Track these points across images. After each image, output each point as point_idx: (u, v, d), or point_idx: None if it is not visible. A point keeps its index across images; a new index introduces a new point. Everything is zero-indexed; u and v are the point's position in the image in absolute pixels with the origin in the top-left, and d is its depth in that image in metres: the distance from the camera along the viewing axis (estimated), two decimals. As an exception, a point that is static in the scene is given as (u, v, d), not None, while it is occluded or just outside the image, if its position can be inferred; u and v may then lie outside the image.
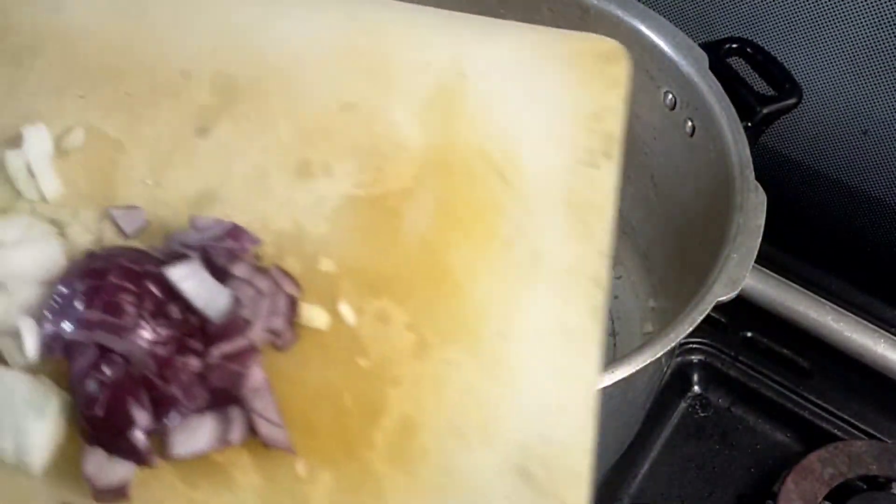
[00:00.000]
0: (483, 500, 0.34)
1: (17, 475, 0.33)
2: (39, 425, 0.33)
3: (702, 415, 0.66)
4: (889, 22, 0.62)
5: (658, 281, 0.66)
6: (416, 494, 0.34)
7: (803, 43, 0.67)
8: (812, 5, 0.65)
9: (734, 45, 0.60)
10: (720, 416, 0.66)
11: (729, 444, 0.64)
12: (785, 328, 0.68)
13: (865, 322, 0.67)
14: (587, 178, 0.41)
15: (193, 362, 0.34)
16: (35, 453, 0.33)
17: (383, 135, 0.42)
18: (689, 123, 0.57)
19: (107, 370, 0.33)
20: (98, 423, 0.33)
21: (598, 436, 0.53)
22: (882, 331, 0.66)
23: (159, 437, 0.33)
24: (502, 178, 0.41)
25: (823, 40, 0.67)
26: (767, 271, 0.69)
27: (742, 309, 0.68)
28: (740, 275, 0.47)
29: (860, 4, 0.63)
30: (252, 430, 0.34)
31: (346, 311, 0.37)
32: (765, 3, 0.68)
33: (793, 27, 0.67)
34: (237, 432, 0.34)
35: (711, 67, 0.56)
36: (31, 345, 0.34)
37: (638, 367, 0.43)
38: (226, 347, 0.35)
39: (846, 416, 0.64)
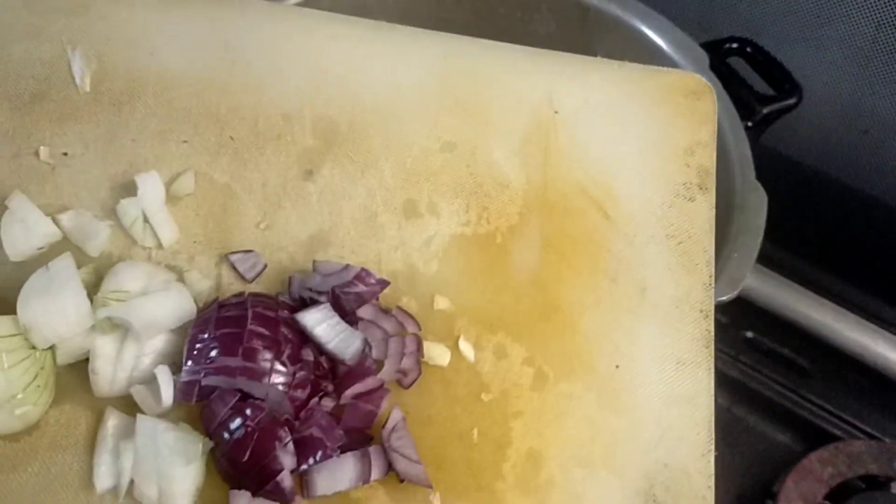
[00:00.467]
0: None
1: None
2: (185, 471, 0.33)
3: (702, 415, 0.66)
4: (889, 22, 0.63)
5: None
6: None
7: (803, 43, 0.67)
8: (812, 5, 0.65)
9: (734, 45, 0.60)
10: (720, 416, 0.66)
11: (729, 445, 0.64)
12: (785, 328, 0.68)
13: (865, 322, 0.67)
14: (685, 212, 0.43)
15: (328, 403, 0.36)
16: (180, 499, 0.34)
17: (485, 173, 0.44)
18: (690, 123, 0.57)
19: (249, 413, 0.34)
20: (244, 467, 0.34)
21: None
22: (882, 331, 0.66)
23: (300, 476, 0.34)
24: (603, 213, 0.43)
25: (823, 40, 0.67)
26: (768, 271, 0.69)
27: (742, 309, 0.68)
28: (740, 275, 0.47)
29: (860, 4, 0.63)
30: (389, 467, 0.35)
31: (465, 347, 0.39)
32: (765, 3, 0.68)
33: (793, 27, 0.67)
34: (377, 471, 0.35)
35: (712, 67, 0.56)
36: (168, 392, 0.35)
37: (638, 367, 0.43)
38: (359, 388, 0.36)
39: (846, 416, 0.64)
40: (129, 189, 0.41)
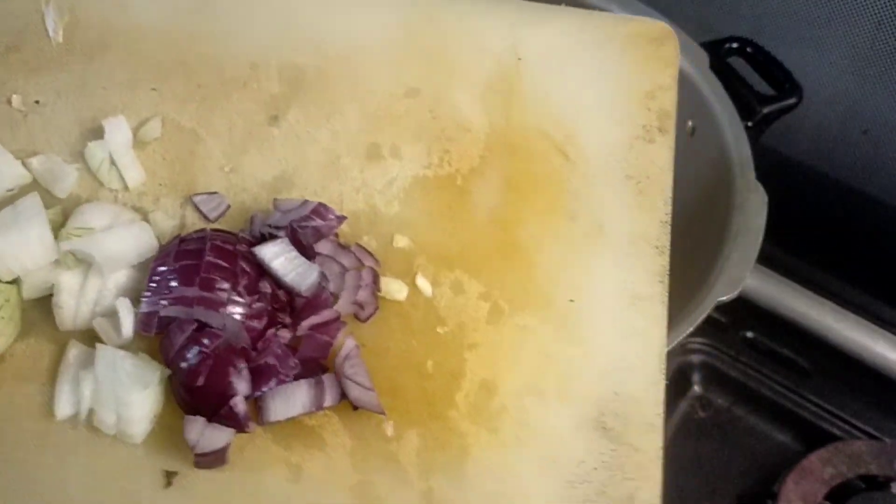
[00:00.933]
0: (564, 451, 0.36)
1: (117, 446, 0.35)
2: (142, 397, 0.34)
3: (702, 415, 0.66)
4: (889, 22, 0.62)
5: (658, 281, 0.66)
6: (498, 448, 0.36)
7: (803, 43, 0.67)
8: (812, 5, 0.65)
9: (735, 45, 0.60)
10: (720, 416, 0.66)
11: (729, 444, 0.64)
12: (785, 328, 0.68)
13: (865, 322, 0.67)
14: (645, 153, 0.44)
15: (285, 334, 0.37)
16: (137, 425, 0.35)
17: (448, 118, 0.45)
18: (690, 123, 0.57)
19: (206, 342, 0.35)
20: (199, 393, 0.34)
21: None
22: (882, 331, 0.66)
23: (255, 404, 0.35)
24: (564, 155, 0.44)
25: (823, 40, 0.67)
26: (768, 271, 0.69)
27: (742, 309, 0.68)
28: (740, 275, 0.47)
29: (860, 4, 0.63)
30: (343, 395, 0.36)
31: (422, 283, 0.40)
32: (765, 3, 0.68)
33: (793, 27, 0.67)
34: (330, 397, 0.36)
35: (712, 67, 0.56)
36: (128, 324, 0.36)
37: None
38: (315, 319, 0.37)
39: (846, 416, 0.64)
40: (98, 134, 0.42)
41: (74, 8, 0.46)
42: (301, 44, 0.46)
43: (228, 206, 0.41)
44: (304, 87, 0.45)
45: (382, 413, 0.36)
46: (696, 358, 0.67)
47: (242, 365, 0.35)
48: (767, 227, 0.49)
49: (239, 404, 0.34)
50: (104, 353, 0.35)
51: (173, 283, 0.36)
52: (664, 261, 0.41)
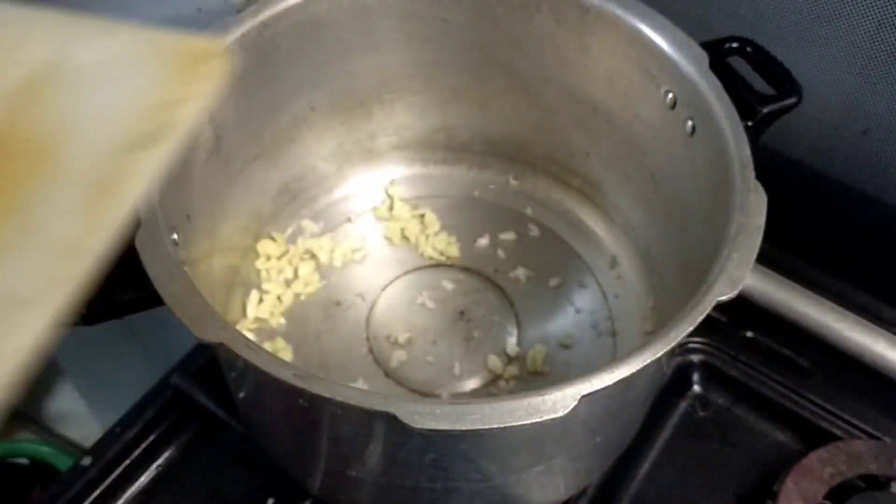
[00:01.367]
0: None
1: None
2: None
3: (702, 414, 0.66)
4: (889, 22, 0.62)
5: (658, 281, 0.66)
6: None
7: (803, 43, 0.67)
8: (812, 5, 0.65)
9: (734, 45, 0.60)
10: (720, 416, 0.66)
11: (729, 444, 0.64)
12: (785, 328, 0.68)
13: (865, 322, 0.67)
14: (131, 161, 0.41)
15: None
16: None
17: None
18: (689, 123, 0.57)
19: None
20: None
21: (597, 435, 0.53)
22: (882, 330, 0.66)
23: None
24: (42, 159, 0.40)
25: (823, 40, 0.67)
26: (768, 271, 0.69)
27: (742, 309, 0.68)
28: (740, 275, 0.47)
29: (860, 4, 0.63)
30: None
31: None
32: (765, 2, 0.67)
33: (793, 27, 0.67)
34: None
35: (711, 67, 0.56)
36: None
37: (638, 367, 0.43)
38: None
39: (846, 416, 0.64)
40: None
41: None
42: None
43: None
44: None
45: None
46: (695, 357, 0.67)
47: None
48: (767, 227, 0.49)
49: None
50: None
51: None
52: (79, 267, 0.38)
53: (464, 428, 0.41)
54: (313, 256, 0.70)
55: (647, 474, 0.62)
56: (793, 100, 0.57)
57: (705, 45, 0.57)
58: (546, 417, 0.41)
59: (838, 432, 0.63)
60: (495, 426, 0.41)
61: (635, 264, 0.69)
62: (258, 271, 0.69)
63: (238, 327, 0.64)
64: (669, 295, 0.64)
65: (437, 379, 0.64)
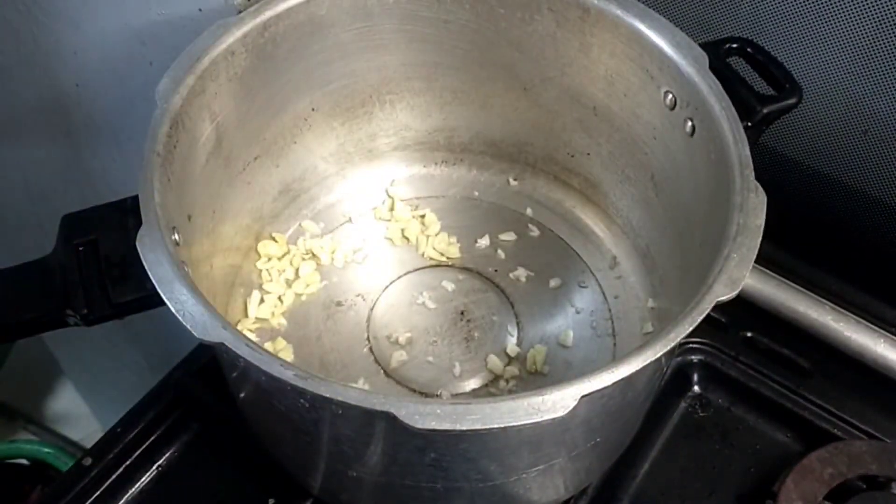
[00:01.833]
0: None
1: None
2: None
3: (702, 415, 0.66)
4: (889, 22, 0.62)
5: (658, 281, 0.66)
6: None
7: (803, 43, 0.67)
8: (812, 5, 0.65)
9: (734, 45, 0.60)
10: (720, 416, 0.66)
11: (729, 444, 0.64)
12: (785, 328, 0.68)
13: (865, 322, 0.67)
14: None
15: None
16: None
17: None
18: (689, 123, 0.57)
19: None
20: None
21: (597, 435, 0.53)
22: (882, 331, 0.66)
23: None
24: None
25: (823, 40, 0.67)
26: (767, 271, 0.69)
27: (742, 309, 0.68)
28: (740, 275, 0.47)
29: (861, 4, 0.63)
30: None
31: None
32: (765, 3, 0.68)
33: (793, 27, 0.67)
34: None
35: (711, 67, 0.56)
36: None
37: (638, 367, 0.43)
38: None
39: (846, 416, 0.64)
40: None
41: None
42: None
43: None
44: None
45: None
46: (695, 358, 0.67)
47: None
48: (767, 226, 0.49)
49: None
50: None
51: None
52: None
53: (464, 428, 0.41)
54: (314, 257, 0.70)
55: (646, 474, 0.62)
56: (793, 100, 0.57)
57: (705, 46, 0.57)
58: (546, 417, 0.41)
59: (838, 433, 0.63)
60: (495, 426, 0.41)
61: (635, 265, 0.69)
62: (259, 271, 0.69)
63: (239, 327, 0.64)
64: (669, 295, 0.64)
65: (437, 379, 0.64)
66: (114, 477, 0.61)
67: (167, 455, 0.62)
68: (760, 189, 0.51)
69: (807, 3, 0.65)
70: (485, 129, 0.73)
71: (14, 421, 1.51)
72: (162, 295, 0.45)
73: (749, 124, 0.55)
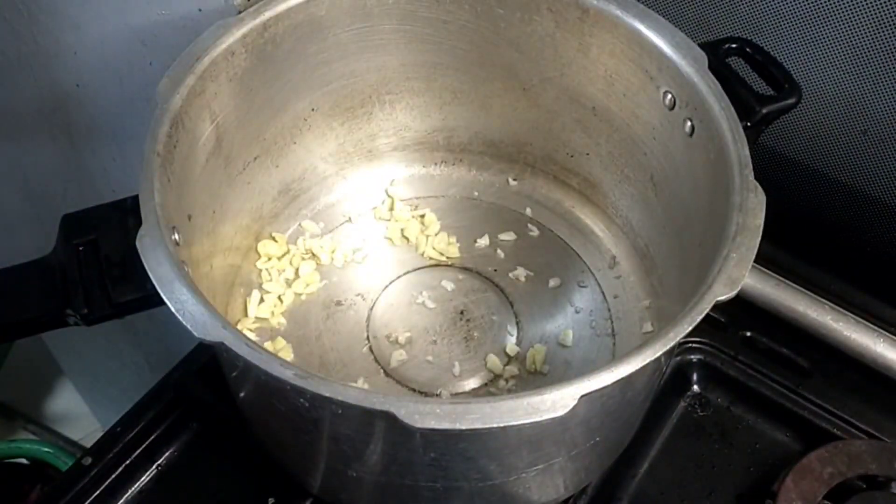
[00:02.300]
0: None
1: None
2: None
3: (701, 414, 0.66)
4: (889, 22, 0.63)
5: (658, 281, 0.66)
6: None
7: (803, 43, 0.67)
8: (812, 5, 0.65)
9: (734, 45, 0.60)
10: (720, 416, 0.66)
11: (729, 444, 0.64)
12: (784, 328, 0.68)
13: (865, 322, 0.67)
14: None
15: None
16: None
17: None
18: (689, 123, 0.57)
19: None
20: None
21: (597, 435, 0.53)
22: (881, 330, 0.66)
23: None
24: None
25: (823, 40, 0.67)
26: (767, 271, 0.69)
27: (741, 308, 0.68)
28: (740, 274, 0.47)
29: (860, 4, 0.63)
30: None
31: None
32: (765, 3, 0.68)
33: (793, 27, 0.67)
34: None
35: (711, 67, 0.56)
36: None
37: (637, 367, 0.43)
38: None
39: (846, 416, 0.64)
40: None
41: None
42: None
43: None
44: None
45: None
46: (695, 357, 0.67)
47: None
48: (766, 226, 0.49)
49: None
50: None
51: None
52: None
53: (464, 427, 0.41)
54: (314, 256, 0.70)
55: (646, 474, 0.62)
56: (792, 100, 0.57)
57: (704, 46, 0.57)
58: (546, 417, 0.41)
59: (838, 432, 0.63)
60: (495, 426, 0.41)
61: (634, 264, 0.69)
62: (259, 271, 0.69)
63: (239, 327, 0.64)
64: (669, 295, 0.64)
65: (437, 378, 0.64)
66: (113, 476, 0.61)
67: (167, 455, 0.62)
68: (760, 189, 0.51)
69: (806, 3, 0.66)
70: (484, 130, 0.73)
71: (14, 420, 1.51)
72: (162, 295, 0.45)
73: (748, 124, 0.55)
